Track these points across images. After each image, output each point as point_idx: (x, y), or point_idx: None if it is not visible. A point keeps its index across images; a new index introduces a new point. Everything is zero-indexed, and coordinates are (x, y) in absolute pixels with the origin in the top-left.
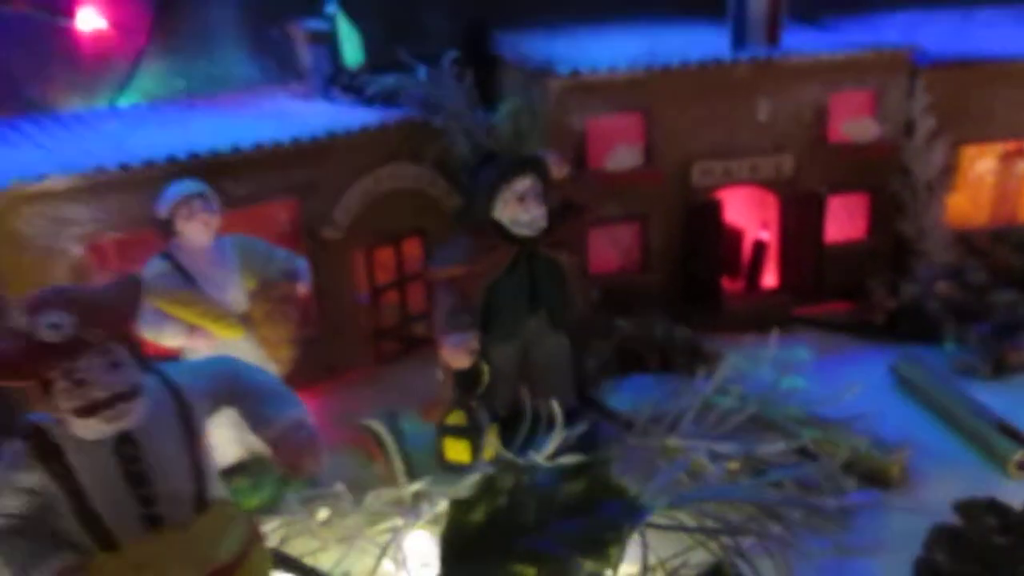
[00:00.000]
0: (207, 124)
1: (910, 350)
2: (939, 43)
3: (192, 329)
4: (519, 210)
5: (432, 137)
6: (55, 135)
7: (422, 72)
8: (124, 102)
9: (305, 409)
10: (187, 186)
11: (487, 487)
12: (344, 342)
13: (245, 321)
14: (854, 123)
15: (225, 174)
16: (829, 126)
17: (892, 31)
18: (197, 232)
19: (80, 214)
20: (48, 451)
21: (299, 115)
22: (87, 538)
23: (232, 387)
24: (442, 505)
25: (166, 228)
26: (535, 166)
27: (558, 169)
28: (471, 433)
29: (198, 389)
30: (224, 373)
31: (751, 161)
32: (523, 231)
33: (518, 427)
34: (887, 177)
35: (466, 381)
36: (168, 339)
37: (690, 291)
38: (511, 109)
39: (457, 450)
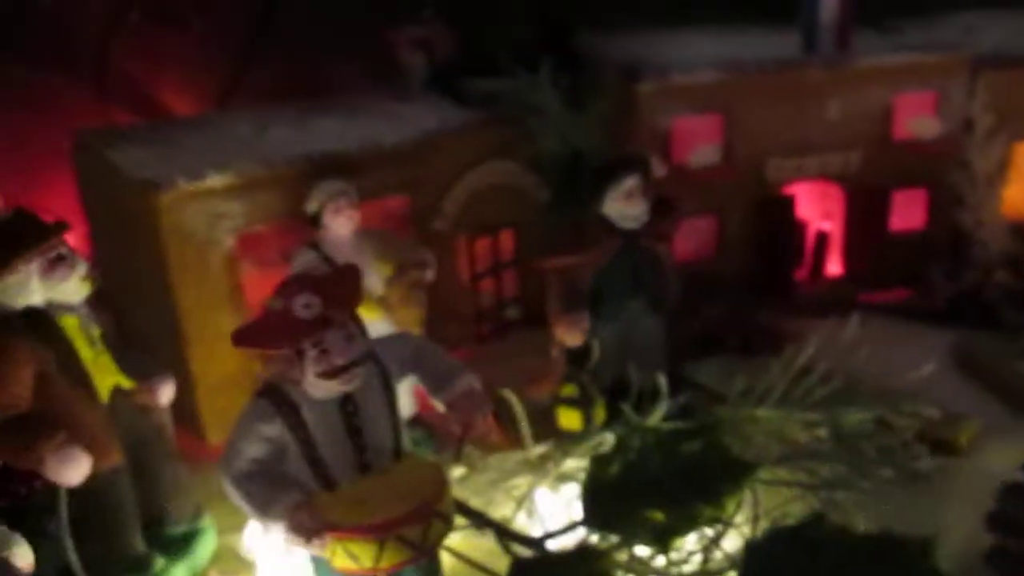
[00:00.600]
0: (323, 126)
1: (970, 334)
2: (998, 44)
3: None
4: (626, 206)
5: (526, 136)
6: (194, 138)
7: (519, 75)
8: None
9: (475, 376)
10: (334, 184)
11: (620, 445)
12: (450, 323)
13: (382, 304)
14: (917, 121)
15: (350, 172)
16: (894, 124)
17: (953, 33)
18: (342, 225)
19: (232, 209)
20: (287, 408)
21: (404, 116)
22: (312, 480)
23: (415, 357)
24: (565, 464)
25: (314, 221)
26: (641, 165)
27: (659, 168)
28: (583, 404)
29: (391, 358)
30: (408, 345)
31: (820, 158)
32: (628, 224)
33: (623, 399)
34: (946, 171)
35: (578, 357)
36: None
37: (763, 279)
38: (601, 110)
39: (570, 419)
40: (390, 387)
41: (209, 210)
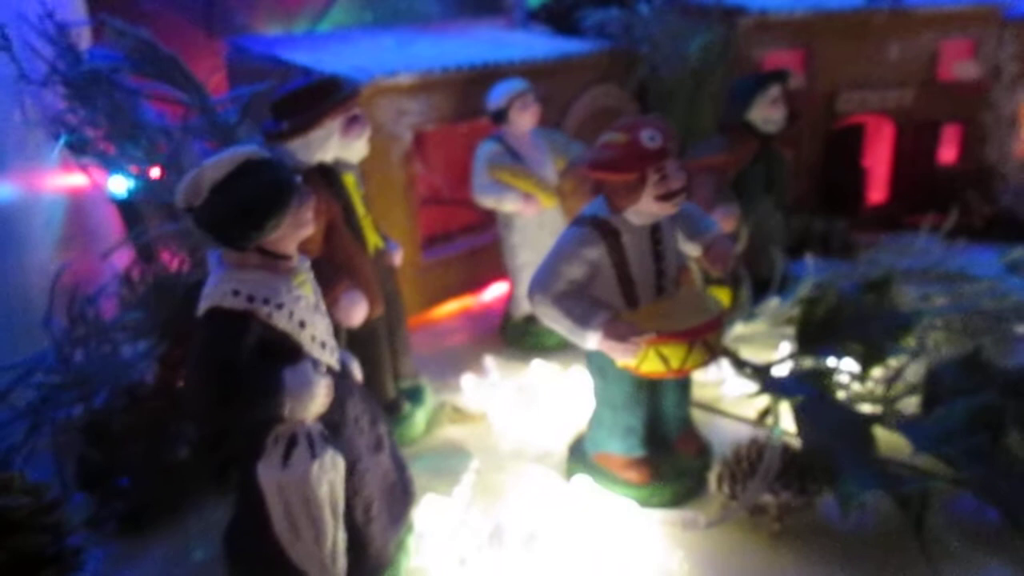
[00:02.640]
0: (456, 45)
1: (1009, 248)
2: None
3: (527, 197)
4: (771, 111)
5: (633, 64)
6: (348, 47)
7: (636, 7)
8: (321, 30)
9: (722, 227)
10: (520, 83)
11: (823, 293)
12: None
13: (557, 193)
14: (961, 65)
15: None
16: (939, 66)
17: None
18: (526, 120)
19: (413, 107)
20: (609, 233)
21: (516, 43)
22: (619, 299)
23: (680, 210)
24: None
25: (500, 117)
26: (784, 77)
27: (796, 81)
28: (732, 283)
29: None
30: None
31: (881, 93)
32: (770, 128)
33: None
34: (978, 111)
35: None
36: (507, 205)
37: (831, 197)
38: (703, 42)
39: (721, 298)
40: (674, 226)
41: (395, 106)
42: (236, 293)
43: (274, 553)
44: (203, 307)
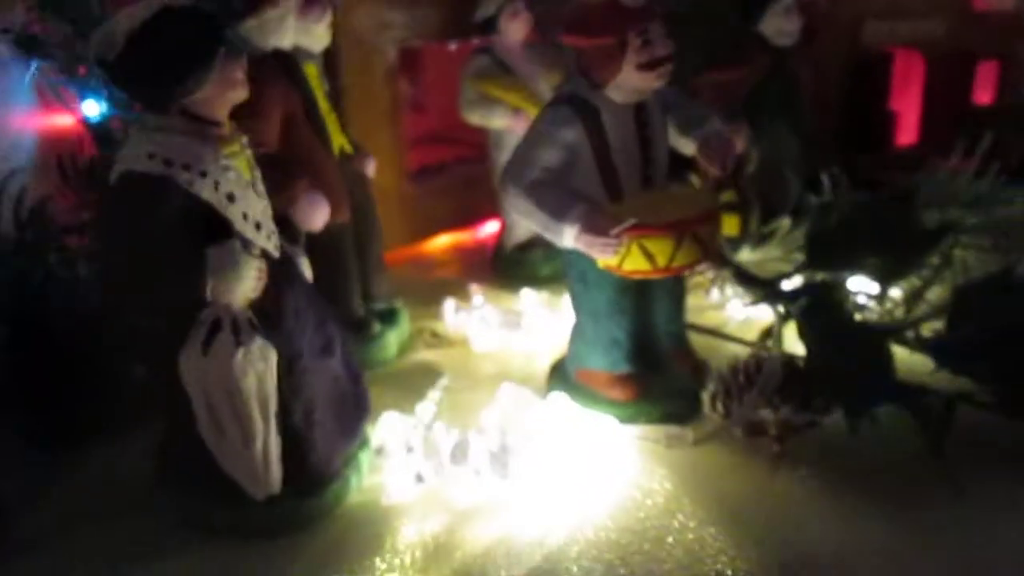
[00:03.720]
0: None
1: None
2: None
3: (516, 112)
4: (785, 21)
5: None
6: None
7: None
8: None
9: (720, 122)
10: None
11: (835, 200)
12: None
13: None
14: None
15: None
16: None
17: None
18: (516, 30)
19: (396, 19)
20: (587, 112)
21: None
22: (600, 189)
23: (672, 99)
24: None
25: (488, 26)
26: None
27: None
28: (741, 208)
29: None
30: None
31: (911, 23)
32: (784, 41)
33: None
34: (1016, 45)
35: (738, 165)
36: (495, 120)
37: (854, 135)
38: None
39: (727, 224)
40: (664, 112)
41: (376, 16)
42: (151, 156)
43: (205, 459)
44: (115, 172)
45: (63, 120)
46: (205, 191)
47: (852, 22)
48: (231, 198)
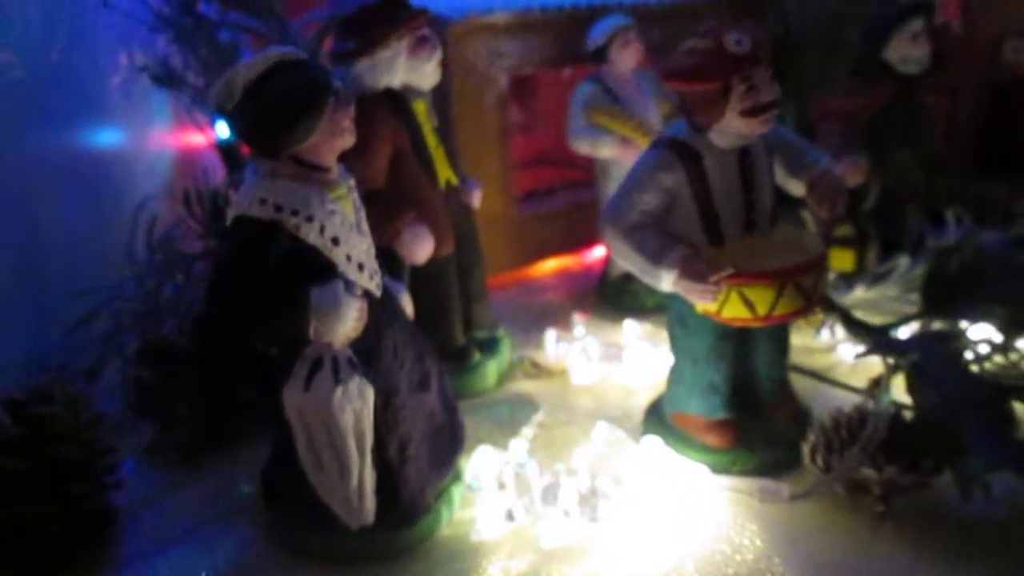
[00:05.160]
0: None
1: None
2: None
3: (624, 142)
4: (912, 47)
5: (762, 10)
6: None
7: None
8: None
9: (832, 161)
10: (622, 18)
11: (958, 245)
12: None
13: None
14: None
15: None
16: None
17: None
18: (628, 58)
19: (509, 48)
20: (689, 157)
21: None
22: (700, 234)
23: (778, 138)
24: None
25: (599, 55)
26: (927, 10)
27: (940, 16)
28: (857, 243)
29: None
30: (776, 128)
31: None
32: (910, 68)
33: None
34: None
35: (856, 197)
36: (604, 150)
37: (993, 160)
38: None
39: (842, 259)
40: (770, 155)
41: (489, 46)
42: (263, 201)
43: (306, 487)
44: (230, 215)
45: (196, 141)
46: (311, 235)
47: (991, 42)
48: (336, 241)
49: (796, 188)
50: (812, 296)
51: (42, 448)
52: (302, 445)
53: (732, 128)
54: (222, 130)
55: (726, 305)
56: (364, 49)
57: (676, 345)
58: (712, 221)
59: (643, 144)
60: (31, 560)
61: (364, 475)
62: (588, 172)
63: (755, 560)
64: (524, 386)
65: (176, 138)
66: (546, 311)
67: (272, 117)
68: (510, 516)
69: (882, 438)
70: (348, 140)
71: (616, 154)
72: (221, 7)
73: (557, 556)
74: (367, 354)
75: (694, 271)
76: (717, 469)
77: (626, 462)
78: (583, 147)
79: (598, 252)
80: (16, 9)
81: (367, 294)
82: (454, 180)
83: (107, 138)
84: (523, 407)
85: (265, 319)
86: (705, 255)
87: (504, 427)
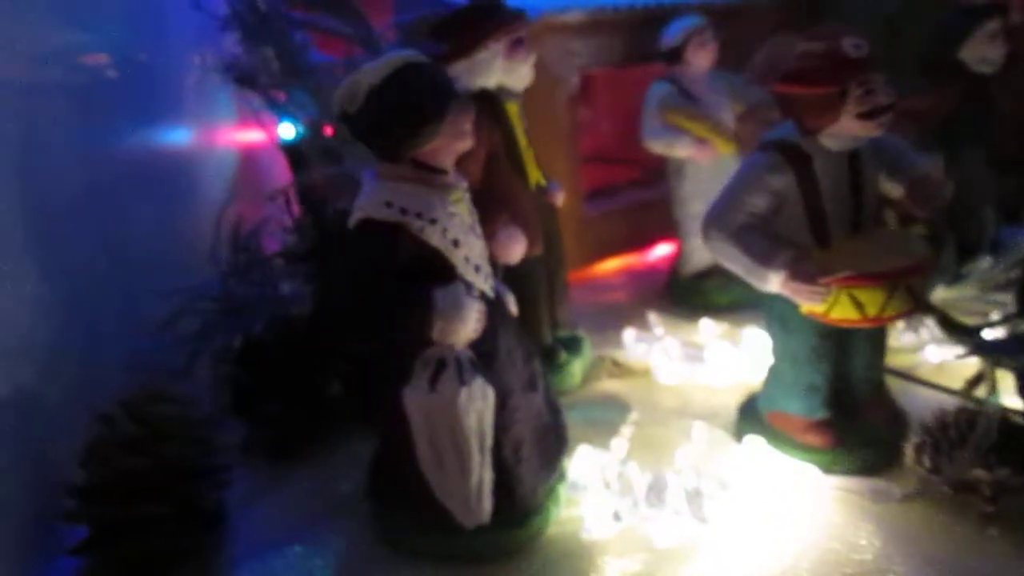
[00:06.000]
0: None
1: None
2: None
3: (700, 142)
4: (989, 47)
5: (814, 12)
6: None
7: None
8: None
9: (933, 163)
10: (698, 19)
11: None
12: None
13: (735, 139)
14: None
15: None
16: None
17: None
18: (703, 59)
19: (581, 47)
20: (799, 159)
21: None
22: (807, 236)
23: (878, 140)
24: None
25: (674, 56)
26: (1002, 11)
27: (1017, 15)
28: (934, 243)
29: None
30: None
31: None
32: (984, 69)
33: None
34: None
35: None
36: (680, 150)
37: None
38: None
39: None
40: (875, 156)
41: (563, 45)
42: (388, 204)
43: (418, 486)
44: (354, 218)
45: (258, 139)
46: (435, 237)
47: None
48: (456, 243)
49: (893, 190)
50: (919, 297)
51: (159, 447)
52: (424, 445)
53: (846, 131)
54: (287, 131)
55: (835, 307)
56: (461, 51)
57: (776, 345)
58: (819, 223)
59: (718, 144)
60: (147, 559)
61: (483, 475)
62: (647, 171)
63: (873, 560)
64: (608, 385)
65: (240, 137)
66: (614, 310)
67: (396, 121)
68: (617, 516)
69: (993, 439)
70: (467, 143)
71: (692, 154)
72: (296, 7)
73: (669, 556)
74: (485, 355)
75: (805, 273)
76: (818, 469)
77: (729, 462)
78: (658, 147)
79: (660, 251)
80: (109, 11)
81: (483, 296)
82: (542, 181)
83: (182, 137)
84: (613, 406)
85: (391, 321)
86: (815, 257)
87: (599, 426)
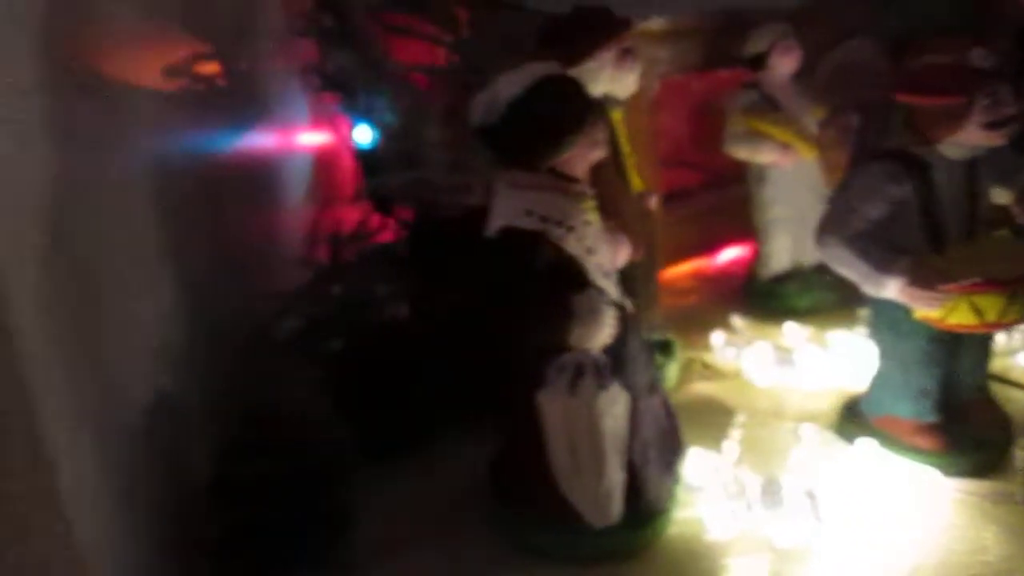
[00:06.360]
0: None
1: None
2: None
3: (784, 148)
4: None
5: (889, 14)
6: None
7: None
8: None
9: None
10: (782, 26)
11: None
12: None
13: (817, 144)
14: None
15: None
16: None
17: None
18: (787, 65)
19: (662, 55)
20: (918, 168)
21: None
22: (923, 243)
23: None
24: None
25: (758, 62)
26: None
27: None
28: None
29: None
30: None
31: None
32: None
33: None
34: None
35: None
36: (763, 156)
37: None
38: None
39: None
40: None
41: (647, 54)
42: (529, 213)
43: (546, 486)
44: (495, 226)
45: (327, 143)
46: (571, 245)
47: None
48: (590, 250)
49: (1001, 195)
50: None
51: (292, 450)
52: (561, 448)
53: (969, 141)
54: (364, 135)
55: (954, 312)
56: (571, 60)
57: (885, 350)
58: (935, 230)
59: (802, 149)
60: (278, 560)
61: (617, 477)
62: (709, 174)
63: (999, 561)
64: (701, 388)
65: (313, 140)
66: (694, 314)
67: (538, 132)
68: (735, 517)
69: None
70: (601, 153)
71: (776, 159)
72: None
73: (792, 556)
74: (617, 359)
75: (925, 280)
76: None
77: (842, 464)
78: (741, 152)
79: (729, 254)
80: (221, 22)
81: (612, 301)
82: (642, 187)
83: (271, 141)
84: (712, 409)
85: (532, 327)
86: (933, 263)
87: (703, 428)
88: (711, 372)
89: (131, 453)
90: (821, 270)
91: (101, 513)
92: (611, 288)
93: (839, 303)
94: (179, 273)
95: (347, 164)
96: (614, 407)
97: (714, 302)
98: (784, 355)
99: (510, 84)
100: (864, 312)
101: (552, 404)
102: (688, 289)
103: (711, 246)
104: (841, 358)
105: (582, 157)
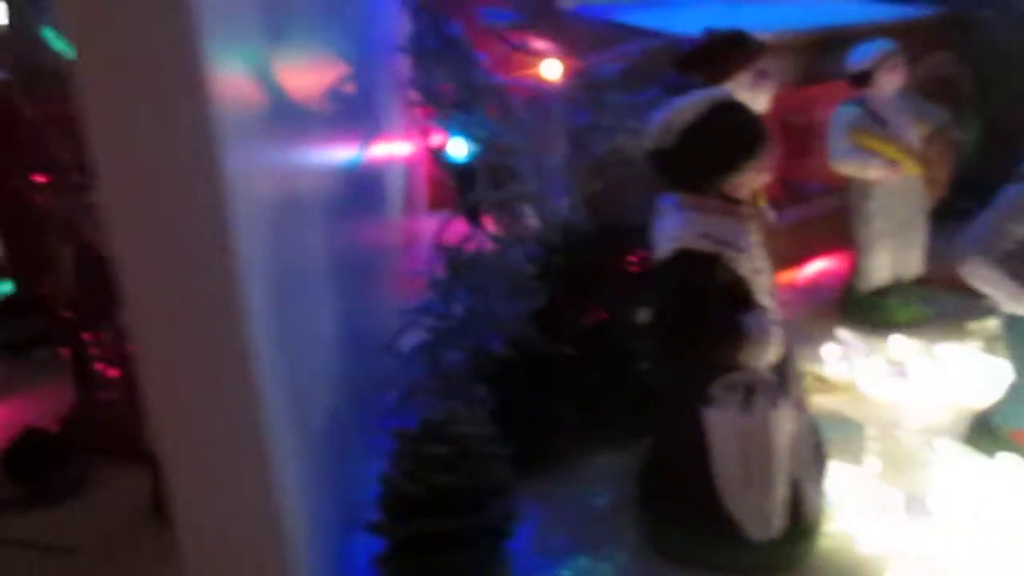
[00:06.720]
0: (777, 8)
1: None
2: None
3: (891, 164)
4: None
5: (964, 30)
6: (677, 11)
7: None
8: None
9: None
10: (889, 43)
11: None
12: None
13: (921, 160)
14: None
15: (845, 46)
16: None
17: None
18: (893, 83)
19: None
20: None
21: (829, 7)
22: None
23: None
24: None
25: (862, 79)
26: None
27: None
28: None
29: None
30: None
31: None
32: None
33: None
34: None
35: None
36: (871, 172)
37: None
38: None
39: None
40: None
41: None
42: (705, 236)
43: (706, 500)
44: (670, 248)
45: (415, 155)
46: (742, 266)
47: None
48: (756, 271)
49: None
50: None
51: (466, 465)
52: (731, 464)
53: None
54: (459, 149)
55: None
56: (710, 81)
57: (1021, 365)
58: None
59: (907, 165)
60: (446, 573)
61: (783, 491)
62: (799, 189)
63: None
64: (819, 401)
65: (407, 152)
66: (790, 326)
67: (712, 157)
68: (884, 530)
69: None
70: (766, 178)
71: (883, 175)
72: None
73: (947, 570)
74: (782, 377)
75: None
76: None
77: (983, 477)
78: (849, 168)
79: (816, 266)
80: (348, 40)
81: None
82: (763, 203)
83: (378, 153)
84: (837, 422)
85: (707, 347)
86: None
87: (834, 442)
88: (826, 385)
89: (318, 460)
90: (920, 283)
91: (302, 504)
92: (775, 307)
93: (937, 316)
94: (336, 299)
95: (439, 177)
96: (785, 424)
97: (811, 314)
98: (897, 368)
99: (684, 111)
100: (975, 325)
101: (722, 422)
102: (784, 301)
103: (799, 259)
104: (954, 371)
105: (749, 181)
